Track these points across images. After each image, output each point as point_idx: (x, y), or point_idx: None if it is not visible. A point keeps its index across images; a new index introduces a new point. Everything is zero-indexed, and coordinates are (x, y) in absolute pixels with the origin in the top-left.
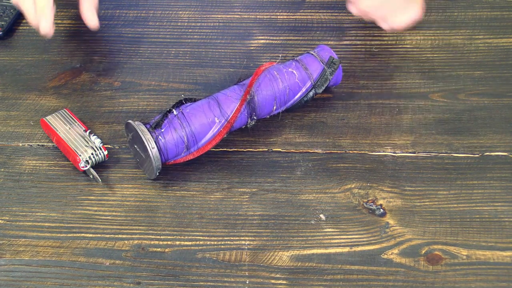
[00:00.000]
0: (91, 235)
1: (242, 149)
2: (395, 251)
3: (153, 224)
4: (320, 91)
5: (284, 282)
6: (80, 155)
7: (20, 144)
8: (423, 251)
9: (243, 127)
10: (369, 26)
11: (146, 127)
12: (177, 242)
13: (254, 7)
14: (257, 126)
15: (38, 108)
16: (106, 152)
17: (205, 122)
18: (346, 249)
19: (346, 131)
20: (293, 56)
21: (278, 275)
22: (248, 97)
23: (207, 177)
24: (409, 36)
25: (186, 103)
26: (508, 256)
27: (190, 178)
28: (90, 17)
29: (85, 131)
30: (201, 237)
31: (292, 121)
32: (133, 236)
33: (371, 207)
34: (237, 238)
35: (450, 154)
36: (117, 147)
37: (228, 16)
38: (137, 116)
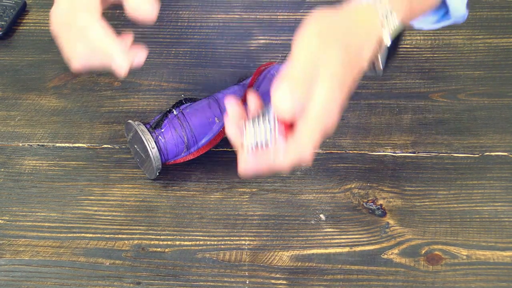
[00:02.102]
0: (91, 235)
1: None
2: (395, 251)
3: (153, 224)
4: None
5: (284, 282)
6: None
7: (20, 144)
8: (423, 251)
9: None
10: None
11: (146, 127)
12: (177, 242)
13: (254, 7)
14: None
15: (38, 108)
16: None
17: (205, 122)
18: (346, 249)
19: (346, 131)
20: None
21: (278, 275)
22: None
23: (207, 177)
24: (409, 36)
25: (186, 103)
26: (508, 256)
27: (190, 178)
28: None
29: None
30: (201, 237)
31: None
32: (133, 236)
33: (371, 207)
34: (237, 238)
35: (450, 154)
36: (117, 147)
37: (228, 16)
38: (137, 116)
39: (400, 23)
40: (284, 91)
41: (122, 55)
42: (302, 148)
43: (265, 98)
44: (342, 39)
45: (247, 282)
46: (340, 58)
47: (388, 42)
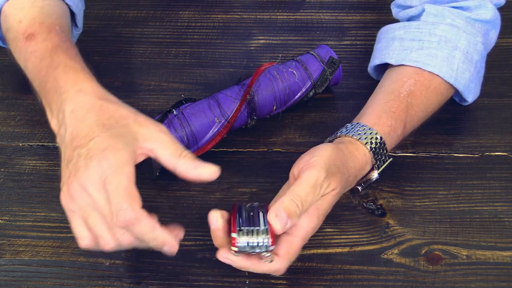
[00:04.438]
0: None
1: (242, 149)
2: (395, 251)
3: None
4: (320, 91)
5: (284, 282)
6: None
7: (20, 144)
8: (423, 251)
9: (243, 127)
10: (369, 26)
11: None
12: None
13: (254, 7)
14: (257, 126)
15: (38, 108)
16: None
17: (205, 122)
18: (346, 249)
19: None
20: (293, 56)
21: (278, 275)
22: (248, 97)
23: None
24: None
25: (186, 103)
26: (508, 256)
27: None
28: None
29: None
30: (201, 237)
31: (292, 121)
32: None
33: (371, 207)
34: None
35: (450, 154)
36: None
37: (228, 16)
38: None
39: (390, 156)
40: (283, 216)
41: (174, 242)
42: (285, 264)
43: (265, 99)
44: (342, 171)
45: (247, 282)
46: (337, 191)
47: (375, 176)
